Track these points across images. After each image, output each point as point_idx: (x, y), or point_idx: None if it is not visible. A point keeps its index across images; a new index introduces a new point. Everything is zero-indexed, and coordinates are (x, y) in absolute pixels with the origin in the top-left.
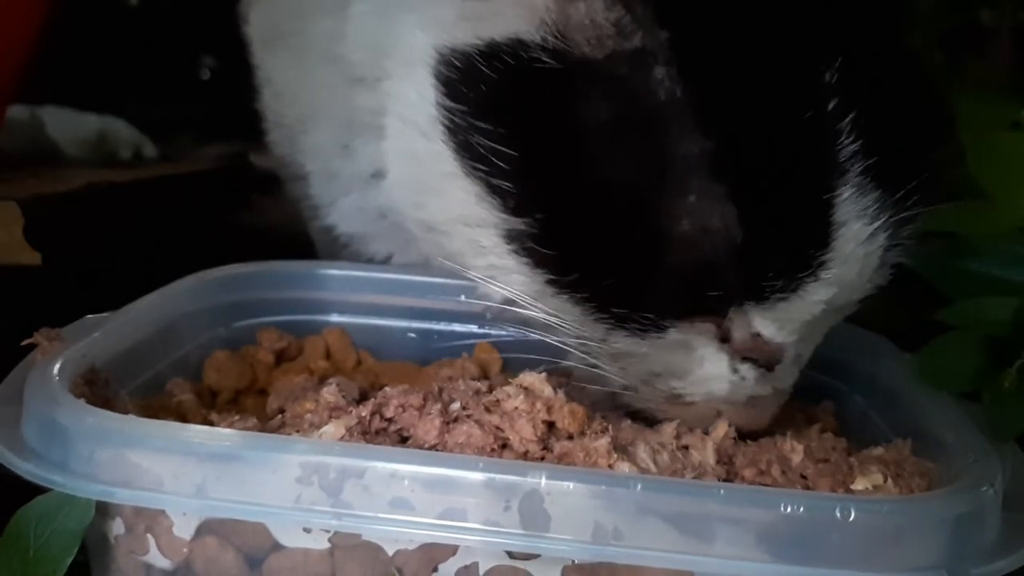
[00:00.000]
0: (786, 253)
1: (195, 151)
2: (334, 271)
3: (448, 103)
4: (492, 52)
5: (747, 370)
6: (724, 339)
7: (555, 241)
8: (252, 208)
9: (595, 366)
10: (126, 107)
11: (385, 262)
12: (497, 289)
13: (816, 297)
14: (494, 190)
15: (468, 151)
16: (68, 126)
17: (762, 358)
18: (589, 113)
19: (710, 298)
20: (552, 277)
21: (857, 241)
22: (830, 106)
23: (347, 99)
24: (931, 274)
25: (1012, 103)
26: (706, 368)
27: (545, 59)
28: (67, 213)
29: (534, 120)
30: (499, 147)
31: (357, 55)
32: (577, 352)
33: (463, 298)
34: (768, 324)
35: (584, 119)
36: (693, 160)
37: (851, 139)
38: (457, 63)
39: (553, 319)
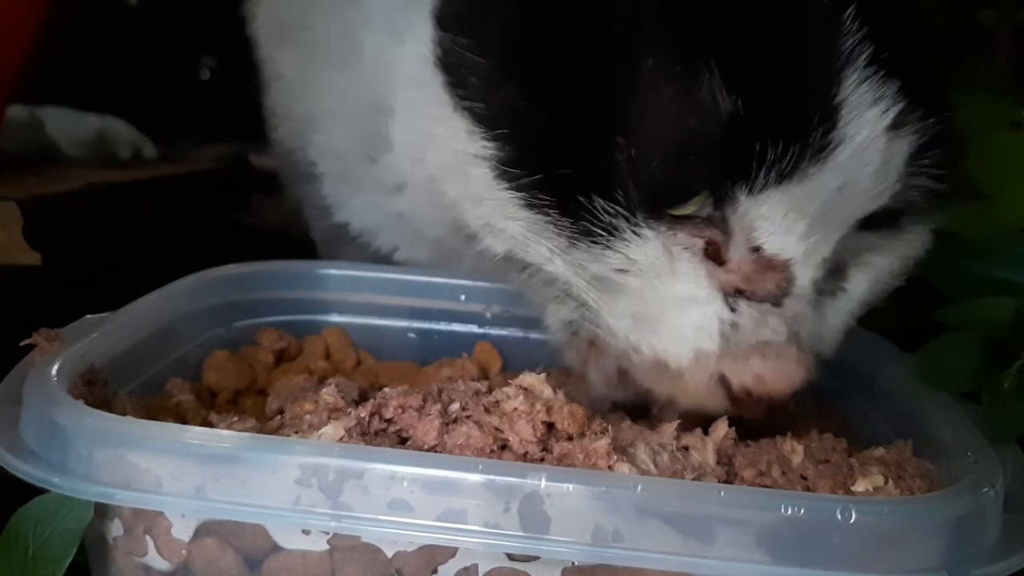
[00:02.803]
0: (784, 125)
1: (195, 151)
2: (334, 271)
3: (439, 32)
4: None
5: (745, 309)
6: (716, 260)
7: (523, 147)
8: (252, 208)
9: (593, 323)
10: (126, 107)
11: (390, 254)
12: (494, 238)
13: (823, 182)
14: (475, 117)
15: (453, 78)
16: (68, 126)
17: (766, 287)
18: None
19: (687, 180)
20: (525, 191)
21: (872, 128)
22: None
23: (365, 114)
24: (931, 274)
25: (1012, 103)
26: (690, 313)
27: None
28: (67, 213)
29: (498, 19)
30: (470, 57)
31: (377, 82)
32: (577, 299)
33: (463, 298)
34: (765, 225)
35: None
36: (674, 26)
37: (856, 27)
38: None
39: (542, 251)
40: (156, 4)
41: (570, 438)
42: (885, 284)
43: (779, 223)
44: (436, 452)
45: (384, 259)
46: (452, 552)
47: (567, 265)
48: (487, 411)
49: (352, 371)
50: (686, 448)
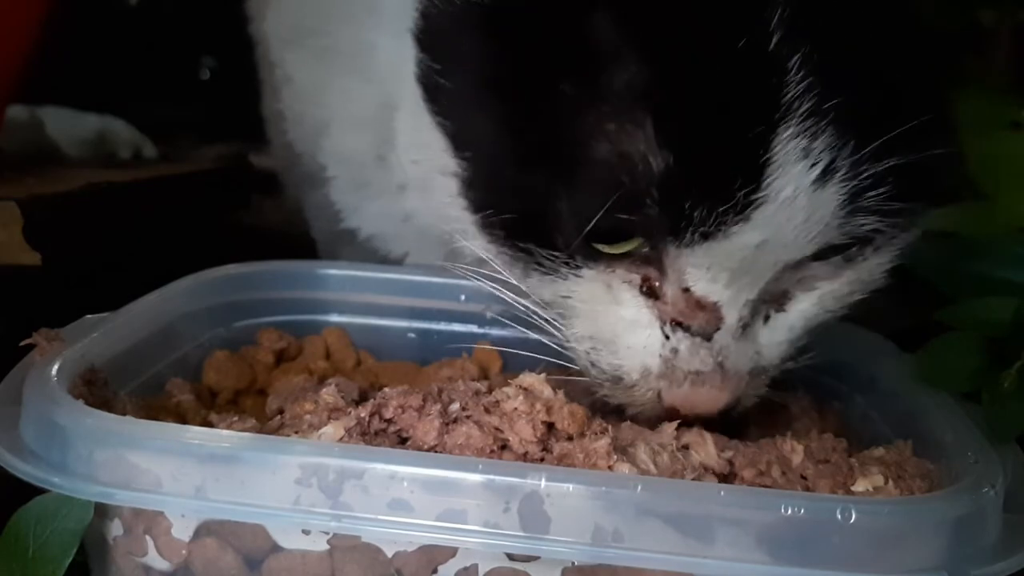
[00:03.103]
0: (710, 186)
1: (195, 151)
2: (334, 271)
3: (419, 54)
4: None
5: (681, 338)
6: (653, 296)
7: (478, 176)
8: (252, 208)
9: (561, 345)
10: (126, 107)
11: (400, 260)
12: (469, 244)
13: (744, 240)
14: (444, 130)
15: (428, 95)
16: (68, 126)
17: (697, 323)
18: (504, 31)
19: (621, 229)
20: (479, 216)
21: (797, 184)
22: (773, 40)
23: (378, 118)
24: (931, 274)
25: (1012, 103)
26: (637, 335)
27: None
28: (67, 213)
29: (461, 51)
30: (440, 81)
31: (388, 85)
32: (546, 326)
33: (463, 298)
34: (694, 271)
35: (501, 36)
36: (613, 83)
37: (800, 76)
38: (421, 12)
39: (504, 272)
40: (156, 4)
41: (570, 438)
42: (836, 304)
43: (704, 272)
44: (436, 452)
45: (394, 263)
46: (452, 552)
47: (527, 289)
48: (487, 411)
49: (352, 371)
50: (686, 447)
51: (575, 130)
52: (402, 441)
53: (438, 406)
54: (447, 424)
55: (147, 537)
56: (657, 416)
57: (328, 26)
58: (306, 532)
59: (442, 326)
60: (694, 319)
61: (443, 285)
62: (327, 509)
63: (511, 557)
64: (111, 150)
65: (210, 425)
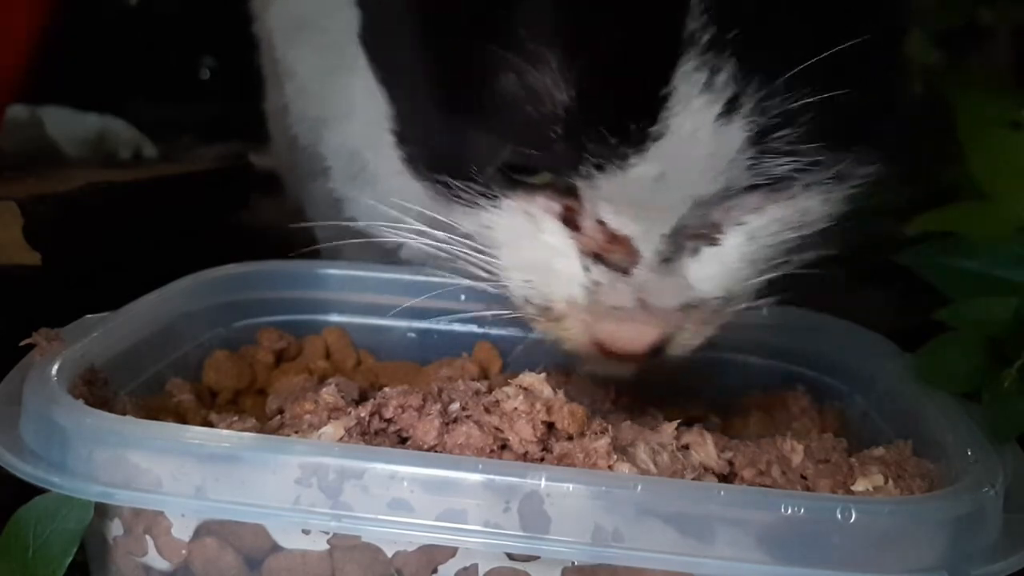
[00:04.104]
0: (610, 120)
1: (195, 151)
2: (334, 271)
3: (359, 13)
4: None
5: (601, 272)
6: (573, 227)
7: (406, 120)
8: (252, 208)
9: (497, 284)
10: (126, 107)
11: (395, 249)
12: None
13: (642, 173)
14: (380, 82)
15: (369, 52)
16: (68, 126)
17: (614, 257)
18: None
19: (534, 163)
20: (405, 152)
21: (698, 119)
22: None
23: (363, 105)
24: (931, 274)
25: (1012, 103)
26: (560, 263)
27: None
28: (67, 213)
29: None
30: (371, 34)
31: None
32: (478, 261)
33: (463, 298)
34: (604, 204)
35: None
36: (519, 17)
37: (703, 9)
38: None
39: (430, 217)
40: (156, 4)
41: (570, 438)
42: (772, 241)
43: (611, 206)
44: (436, 452)
45: (390, 254)
46: (452, 552)
47: (455, 223)
48: (487, 411)
49: (352, 371)
50: (686, 447)
51: (485, 65)
52: (402, 441)
53: (438, 406)
54: (447, 424)
55: (147, 537)
56: (595, 357)
57: (325, 19)
58: (306, 532)
59: (442, 326)
60: (611, 252)
61: (443, 285)
62: (327, 509)
63: (511, 557)
64: (111, 150)
65: (210, 425)
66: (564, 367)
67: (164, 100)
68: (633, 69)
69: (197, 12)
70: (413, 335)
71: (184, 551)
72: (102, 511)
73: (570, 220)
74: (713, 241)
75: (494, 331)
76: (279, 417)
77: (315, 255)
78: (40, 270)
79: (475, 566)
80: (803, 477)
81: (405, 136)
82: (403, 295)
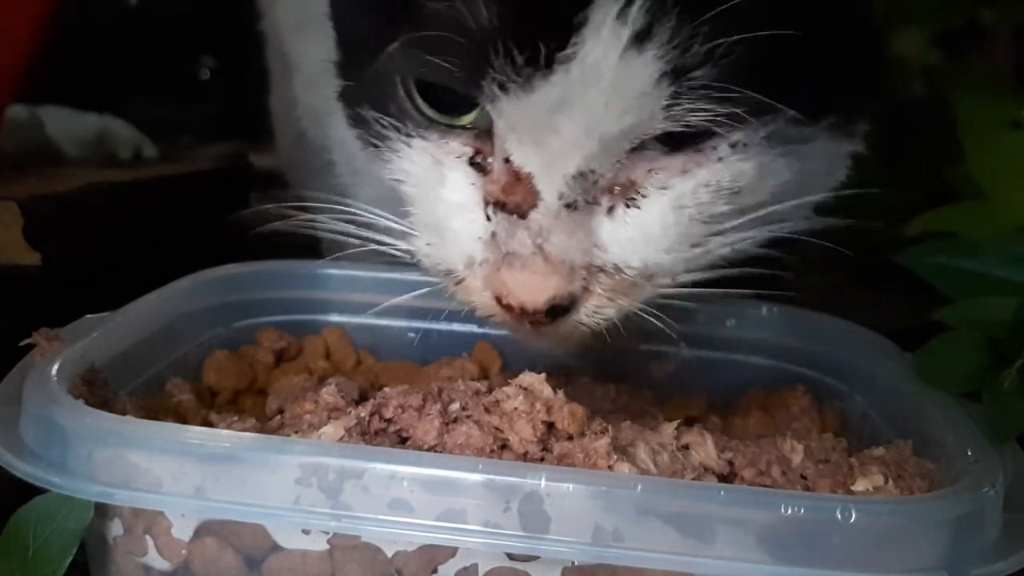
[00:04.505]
0: (521, 42)
1: (195, 151)
2: (334, 271)
3: None
4: None
5: (501, 219)
6: (482, 171)
7: (342, 57)
8: (252, 208)
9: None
10: (126, 107)
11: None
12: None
13: (544, 96)
14: (332, 20)
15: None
16: (68, 126)
17: (515, 199)
18: None
19: (449, 95)
20: (341, 94)
21: (606, 47)
22: None
23: None
24: (931, 274)
25: (1012, 103)
26: (461, 217)
27: None
28: (67, 213)
29: None
30: None
31: None
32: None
33: None
34: (509, 136)
35: None
36: None
37: None
38: None
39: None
40: (156, 4)
41: (570, 438)
42: (698, 211)
43: (517, 136)
44: (436, 452)
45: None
46: (452, 552)
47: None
48: (487, 411)
49: (352, 371)
50: (686, 447)
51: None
52: (402, 441)
53: (438, 406)
54: (447, 424)
55: (147, 537)
56: (505, 320)
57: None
58: (306, 532)
59: (442, 326)
60: (513, 194)
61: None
62: (327, 509)
63: (511, 557)
64: (111, 150)
65: (210, 425)
66: (564, 367)
67: (164, 100)
68: None
69: (197, 12)
70: (413, 335)
71: (184, 551)
72: (102, 511)
73: (480, 164)
74: (632, 202)
75: (494, 331)
76: (279, 417)
77: (316, 255)
78: (40, 270)
79: (475, 566)
80: (803, 477)
81: (342, 68)
82: (403, 295)
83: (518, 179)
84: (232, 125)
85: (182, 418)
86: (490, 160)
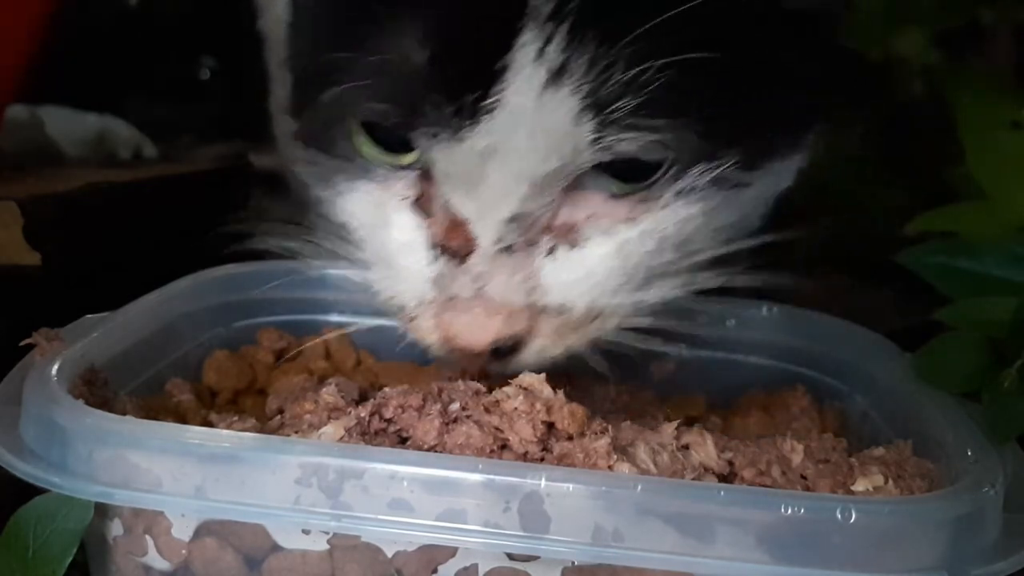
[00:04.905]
0: (450, 90)
1: (195, 151)
2: (334, 271)
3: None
4: None
5: (444, 261)
6: (426, 214)
7: (294, 91)
8: (252, 208)
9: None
10: (126, 107)
11: None
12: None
13: (472, 145)
14: (287, 61)
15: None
16: (68, 126)
17: (456, 243)
18: None
19: (388, 138)
20: (296, 132)
21: (527, 90)
22: None
23: None
24: (931, 274)
25: (1012, 103)
26: (409, 257)
27: None
28: (67, 213)
29: None
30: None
31: None
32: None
33: None
34: (449, 186)
35: None
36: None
37: None
38: None
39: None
40: (156, 4)
41: (570, 438)
42: (644, 259)
43: (451, 183)
44: (436, 452)
45: None
46: (452, 552)
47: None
48: (487, 411)
49: (352, 371)
50: (686, 447)
51: (353, 34)
52: (402, 441)
53: (438, 406)
54: (447, 424)
55: (147, 537)
56: (451, 361)
57: None
58: (306, 532)
59: None
60: (454, 238)
61: None
62: (327, 509)
63: (511, 557)
64: (111, 150)
65: (210, 425)
66: (565, 367)
67: (164, 100)
68: (477, 40)
69: (197, 12)
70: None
71: (184, 551)
72: (102, 511)
73: (424, 206)
74: (574, 245)
75: None
76: (279, 417)
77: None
78: (40, 270)
79: (475, 566)
80: (803, 477)
81: (295, 108)
82: None
83: (456, 223)
84: (232, 125)
85: (182, 418)
86: (432, 203)
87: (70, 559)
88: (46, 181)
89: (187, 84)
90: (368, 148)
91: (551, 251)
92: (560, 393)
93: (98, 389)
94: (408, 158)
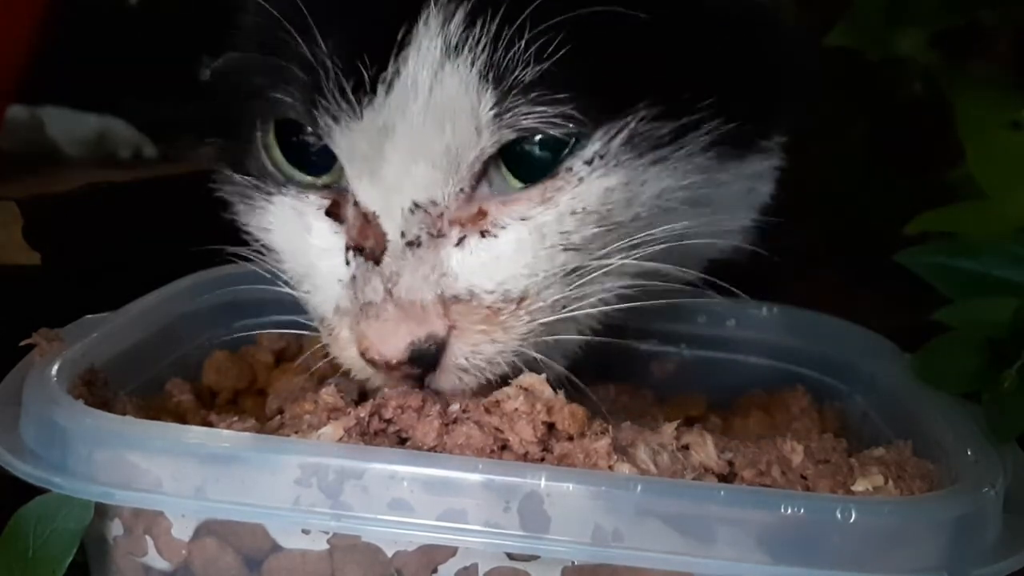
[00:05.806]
0: (349, 70)
1: (195, 151)
2: None
3: None
4: None
5: (358, 263)
6: (339, 219)
7: (217, 120)
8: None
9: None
10: (126, 107)
11: None
12: None
13: (372, 124)
14: None
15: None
16: (68, 126)
17: (368, 243)
18: None
19: (303, 153)
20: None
21: (425, 62)
22: None
23: None
24: (931, 274)
25: (1012, 103)
26: (325, 263)
27: None
28: (67, 213)
29: None
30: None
31: None
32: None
33: None
34: (350, 173)
35: None
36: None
37: None
38: None
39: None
40: (156, 4)
41: (570, 438)
42: (564, 238)
43: (355, 170)
44: (436, 452)
45: None
46: (452, 552)
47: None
48: (487, 411)
49: None
50: (686, 447)
51: (262, 42)
52: (402, 441)
53: (438, 406)
54: (447, 424)
55: (147, 537)
56: (367, 379)
57: None
58: (306, 532)
59: None
60: (366, 238)
61: None
62: (327, 509)
63: (511, 557)
64: (111, 150)
65: (210, 425)
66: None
67: (164, 100)
68: (379, 16)
69: (197, 12)
70: None
71: (184, 551)
72: (102, 511)
73: (337, 213)
74: (487, 233)
75: None
76: (279, 417)
77: None
78: (40, 270)
79: (475, 566)
80: (803, 477)
81: (220, 130)
82: None
83: (367, 221)
84: None
85: (182, 418)
86: (344, 206)
87: (70, 559)
88: (46, 181)
89: (187, 84)
90: (283, 164)
91: (460, 241)
92: (560, 393)
93: (98, 389)
94: (324, 178)
